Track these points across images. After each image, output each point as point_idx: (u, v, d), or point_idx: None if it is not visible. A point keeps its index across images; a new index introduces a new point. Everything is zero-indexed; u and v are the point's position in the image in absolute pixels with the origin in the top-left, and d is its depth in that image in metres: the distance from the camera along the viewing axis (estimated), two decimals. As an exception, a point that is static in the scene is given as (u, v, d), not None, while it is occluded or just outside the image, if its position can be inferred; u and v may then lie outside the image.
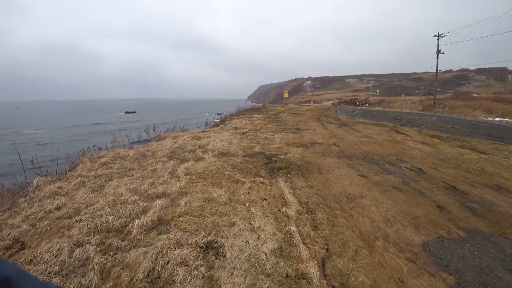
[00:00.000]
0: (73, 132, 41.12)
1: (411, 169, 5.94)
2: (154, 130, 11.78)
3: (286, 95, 27.71)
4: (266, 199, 4.04)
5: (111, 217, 3.34)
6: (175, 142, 8.48)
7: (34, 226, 3.35)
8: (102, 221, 3.26)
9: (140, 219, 3.26)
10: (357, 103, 72.13)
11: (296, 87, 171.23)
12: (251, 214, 3.45)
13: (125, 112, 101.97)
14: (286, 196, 4.20)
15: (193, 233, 2.97)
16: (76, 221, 3.33)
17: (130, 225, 3.17)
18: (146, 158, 6.57)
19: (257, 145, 7.83)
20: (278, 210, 3.72)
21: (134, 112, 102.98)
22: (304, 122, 14.88)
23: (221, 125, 13.31)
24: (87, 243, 2.82)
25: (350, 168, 5.90)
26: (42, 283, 0.57)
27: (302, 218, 3.53)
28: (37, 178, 5.08)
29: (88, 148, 8.15)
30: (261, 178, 4.91)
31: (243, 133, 10.55)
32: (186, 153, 6.86)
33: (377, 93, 55.11)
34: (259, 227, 3.13)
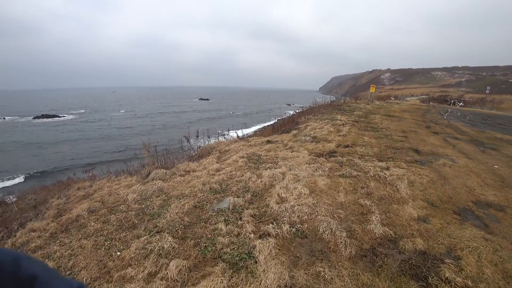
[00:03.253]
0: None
1: None
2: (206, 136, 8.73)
3: (372, 90, 22.08)
4: None
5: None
6: (216, 172, 4.92)
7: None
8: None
9: None
10: (449, 101, 60.01)
11: (373, 79, 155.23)
12: None
13: (199, 99, 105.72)
14: None
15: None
16: None
17: None
18: (135, 228, 3.14)
19: (369, 203, 3.73)
20: None
21: (207, 99, 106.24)
22: (413, 133, 9.97)
23: (294, 131, 9.38)
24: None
25: None
26: (66, 280, 0.57)
27: None
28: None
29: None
30: None
31: (329, 153, 6.45)
32: (220, 224, 3.14)
33: (488, 91, 43.55)
34: None
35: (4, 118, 50.33)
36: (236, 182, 4.34)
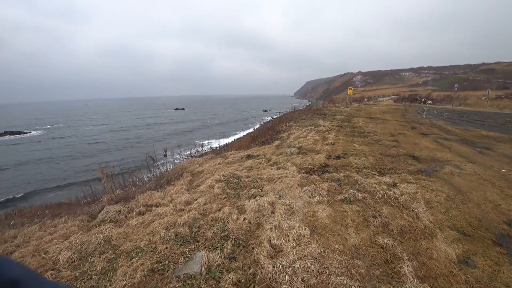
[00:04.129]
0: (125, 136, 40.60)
1: None
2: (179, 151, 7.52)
3: (350, 92, 21.68)
4: None
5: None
6: (186, 206, 3.80)
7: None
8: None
9: None
10: (419, 99, 62.09)
11: (346, 82, 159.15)
12: None
13: (175, 109, 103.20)
14: None
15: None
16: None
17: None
18: None
19: (391, 243, 2.74)
20: None
21: (183, 109, 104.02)
22: (402, 136, 9.33)
23: (277, 141, 8.40)
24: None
25: None
26: (50, 283, 0.56)
27: None
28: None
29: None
30: None
31: (321, 167, 5.51)
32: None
33: (456, 88, 45.07)
34: None
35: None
36: (212, 221, 3.24)
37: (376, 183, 4.31)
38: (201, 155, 7.85)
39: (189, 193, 4.28)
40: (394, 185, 4.36)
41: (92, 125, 59.27)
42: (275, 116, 66.62)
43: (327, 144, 7.64)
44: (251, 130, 45.67)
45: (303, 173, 5.15)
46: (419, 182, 4.51)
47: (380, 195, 3.87)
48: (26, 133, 48.44)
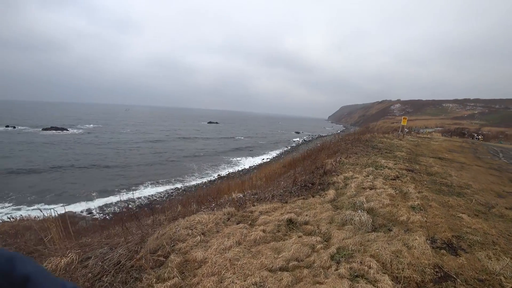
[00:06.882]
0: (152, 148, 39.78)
1: None
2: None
3: (404, 122, 18.33)
4: None
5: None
6: None
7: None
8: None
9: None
10: (467, 134, 55.81)
11: (383, 110, 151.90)
12: None
13: (208, 122, 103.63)
14: None
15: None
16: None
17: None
18: None
19: None
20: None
21: (216, 122, 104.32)
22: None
23: (331, 190, 5.57)
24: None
25: None
26: (59, 281, 0.57)
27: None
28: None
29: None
30: None
31: (437, 279, 2.72)
32: None
33: None
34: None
35: (14, 127, 51.75)
36: None
37: None
38: (214, 206, 5.25)
39: None
40: None
41: (128, 130, 60.62)
42: (305, 138, 63.70)
43: (413, 208, 4.71)
44: (281, 151, 42.86)
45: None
46: None
47: None
48: (68, 130, 52.85)
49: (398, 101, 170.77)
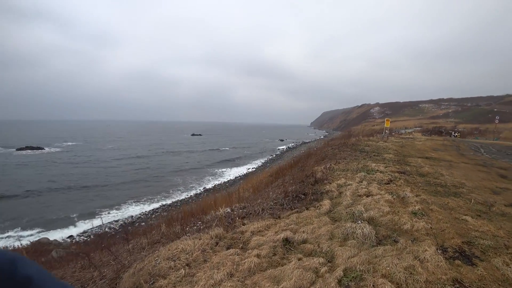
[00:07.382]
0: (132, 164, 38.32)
1: None
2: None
3: (387, 124, 18.48)
4: None
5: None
6: None
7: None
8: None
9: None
10: (444, 132, 57.55)
11: (363, 113, 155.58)
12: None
13: (191, 134, 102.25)
14: None
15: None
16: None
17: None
18: None
19: None
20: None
21: (200, 134, 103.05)
22: (510, 192, 6.06)
23: (326, 200, 5.20)
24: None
25: None
26: (61, 284, 0.55)
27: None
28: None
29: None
30: None
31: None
32: None
33: (497, 120, 40.22)
34: None
35: (-14, 148, 49.01)
36: None
37: None
38: (200, 225, 4.75)
39: None
40: None
41: (109, 146, 58.39)
42: (290, 145, 63.86)
43: (415, 214, 4.40)
44: (266, 159, 42.49)
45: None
46: None
47: None
48: (44, 149, 50.39)
49: (377, 104, 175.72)
